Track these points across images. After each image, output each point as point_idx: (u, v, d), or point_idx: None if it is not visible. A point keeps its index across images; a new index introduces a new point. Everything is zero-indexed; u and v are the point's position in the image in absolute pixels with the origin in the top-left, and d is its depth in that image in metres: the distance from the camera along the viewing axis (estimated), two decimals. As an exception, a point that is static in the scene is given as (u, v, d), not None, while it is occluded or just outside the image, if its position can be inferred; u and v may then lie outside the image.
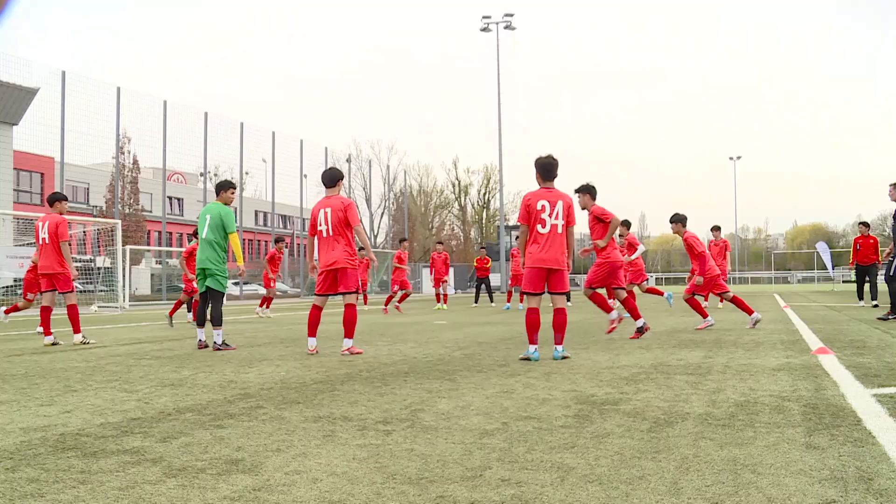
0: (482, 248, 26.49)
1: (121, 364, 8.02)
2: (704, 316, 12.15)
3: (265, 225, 64.84)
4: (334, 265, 8.76)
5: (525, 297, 8.15)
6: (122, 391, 5.99)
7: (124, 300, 27.59)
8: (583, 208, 10.33)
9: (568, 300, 12.39)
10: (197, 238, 14.21)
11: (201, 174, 42.36)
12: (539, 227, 7.82)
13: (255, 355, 8.88)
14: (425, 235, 76.64)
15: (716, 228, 20.17)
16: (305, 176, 46.75)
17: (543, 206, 7.81)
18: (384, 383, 6.28)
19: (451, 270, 62.91)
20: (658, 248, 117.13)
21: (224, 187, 9.88)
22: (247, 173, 47.30)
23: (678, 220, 12.20)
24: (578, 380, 6.36)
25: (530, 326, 7.92)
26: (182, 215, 58.22)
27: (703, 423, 4.40)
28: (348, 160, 56.84)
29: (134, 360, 8.49)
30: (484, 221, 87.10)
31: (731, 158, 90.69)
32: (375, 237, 64.20)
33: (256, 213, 64.73)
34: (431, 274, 24.22)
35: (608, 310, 10.62)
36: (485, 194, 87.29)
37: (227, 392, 5.90)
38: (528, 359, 7.82)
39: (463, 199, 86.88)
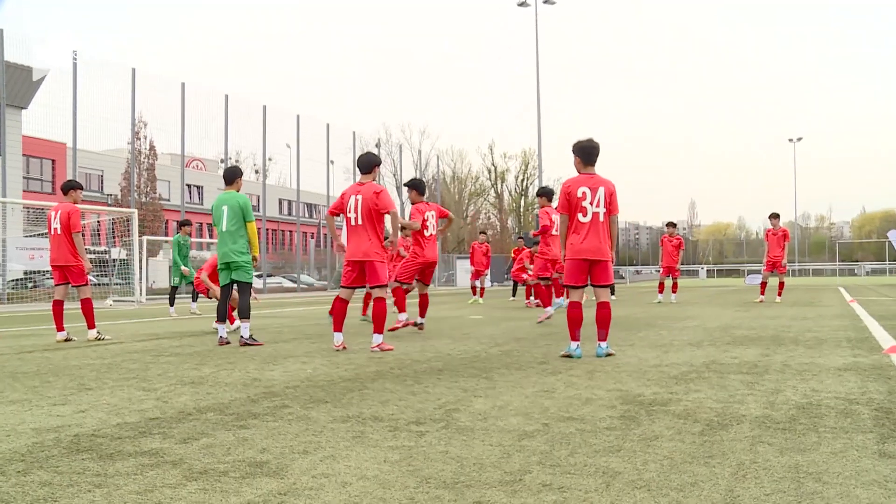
0: (520, 238, 26.45)
1: (138, 361, 8.14)
2: (546, 305, 13.68)
3: (290, 214, 65.26)
4: (363, 257, 8.89)
5: (567, 290, 8.23)
6: (140, 390, 6.07)
7: (141, 294, 27.95)
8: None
9: (612, 293, 12.39)
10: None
11: (222, 160, 42.70)
12: (580, 215, 7.84)
13: (280, 352, 8.96)
14: (459, 225, 76.68)
15: (774, 216, 20.06)
16: (332, 162, 46.95)
17: (584, 194, 7.82)
18: (417, 381, 6.31)
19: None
20: (709, 237, 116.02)
21: (238, 174, 10.16)
22: (270, 159, 47.61)
23: (543, 194, 14.08)
24: (624, 378, 6.33)
25: (572, 321, 7.94)
26: (202, 204, 58.82)
27: (761, 426, 4.36)
28: (377, 145, 57.05)
29: (151, 356, 8.60)
30: (522, 210, 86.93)
31: (790, 140, 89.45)
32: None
33: (280, 201, 65.21)
34: (472, 265, 24.25)
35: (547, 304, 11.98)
36: (523, 181, 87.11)
37: (251, 390, 5.96)
38: (569, 356, 7.84)
39: (499, 185, 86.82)
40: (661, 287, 21.31)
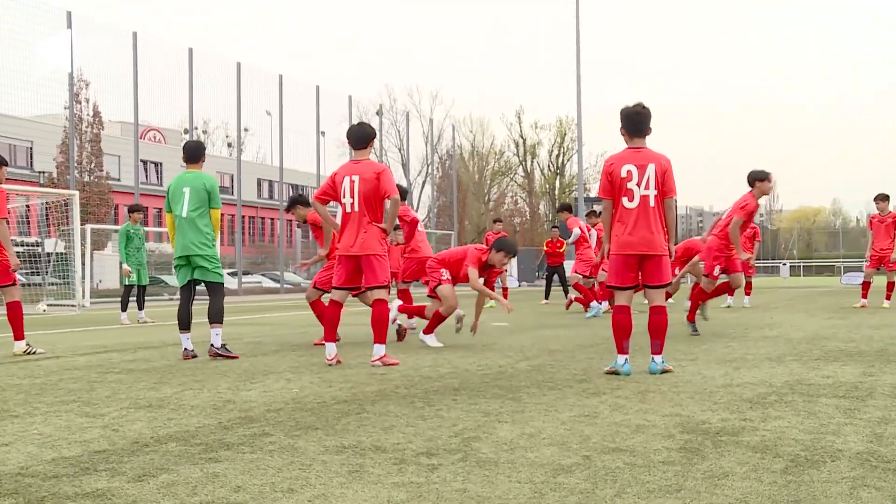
0: (555, 227, 26.47)
1: (80, 380, 8.18)
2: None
3: (271, 197, 65.31)
4: (361, 251, 8.93)
5: (614, 293, 8.27)
6: (82, 416, 6.12)
7: (83, 297, 28.04)
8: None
9: (669, 297, 12.36)
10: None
11: (185, 131, 42.85)
12: (625, 200, 7.84)
13: (259, 367, 9.01)
14: (480, 210, 76.75)
15: (882, 198, 19.63)
16: (323, 133, 47.07)
17: (630, 173, 7.81)
18: (427, 403, 6.34)
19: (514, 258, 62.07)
20: (793, 225, 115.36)
21: (203, 150, 10.45)
22: (246, 130, 47.66)
23: (563, 209, 15.19)
24: (684, 401, 6.34)
25: (619, 330, 7.96)
26: (160, 184, 59.02)
27: (864, 465, 4.35)
28: (379, 112, 57.09)
29: (98, 374, 8.65)
30: (557, 192, 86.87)
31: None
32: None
33: (260, 181, 65.49)
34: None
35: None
36: (558, 156, 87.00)
37: (223, 415, 6.00)
38: (615, 372, 7.88)
39: (529, 162, 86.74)
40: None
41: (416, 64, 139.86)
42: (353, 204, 8.92)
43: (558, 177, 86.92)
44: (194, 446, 4.92)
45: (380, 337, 8.96)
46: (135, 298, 18.06)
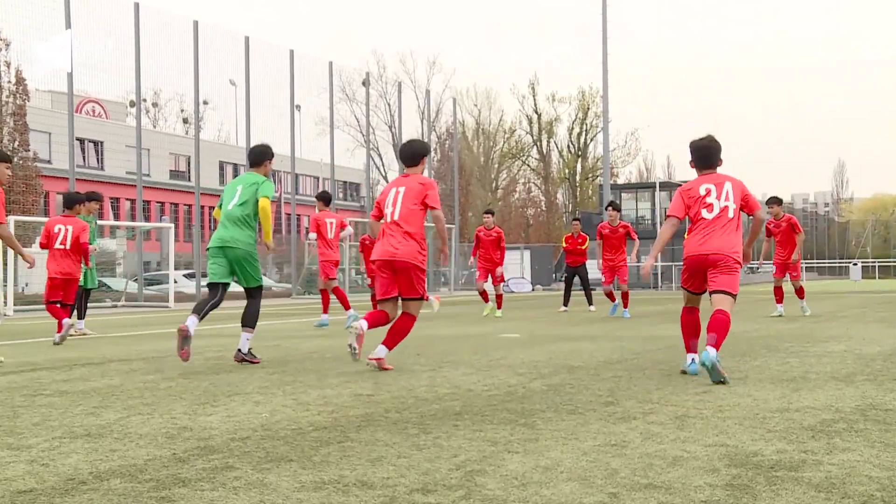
0: (575, 220, 26.46)
1: (2, 404, 8.16)
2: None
3: (236, 182, 65.05)
4: (399, 258, 10.30)
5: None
6: (4, 448, 6.09)
7: (5, 303, 28.03)
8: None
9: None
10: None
11: (132, 103, 42.81)
12: (704, 212, 9.37)
13: (222, 386, 9.04)
14: (486, 199, 76.81)
15: None
16: (298, 108, 47.07)
17: (708, 190, 9.42)
18: (423, 430, 6.36)
19: (524, 256, 62.50)
20: (866, 217, 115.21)
21: (269, 156, 11.95)
22: (205, 103, 47.56)
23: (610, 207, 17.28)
24: (731, 428, 6.36)
25: (687, 329, 9.55)
26: (101, 168, 58.98)
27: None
28: (365, 83, 57.06)
29: (24, 397, 8.64)
30: (578, 177, 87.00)
31: None
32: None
33: (222, 164, 65.44)
34: (474, 256, 24.07)
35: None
36: (580, 135, 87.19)
37: (178, 445, 6.00)
38: (686, 372, 9.40)
39: (545, 142, 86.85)
40: (779, 293, 21.29)
41: (409, 25, 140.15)
42: (392, 213, 10.43)
43: (580, 160, 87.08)
44: (143, 483, 4.93)
45: (391, 341, 10.31)
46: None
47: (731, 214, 9.32)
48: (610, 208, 22.84)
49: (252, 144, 41.75)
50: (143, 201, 41.51)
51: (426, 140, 64.84)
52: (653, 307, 28.29)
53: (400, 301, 10.50)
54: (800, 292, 21.31)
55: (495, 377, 9.54)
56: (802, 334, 15.10)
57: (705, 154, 9.62)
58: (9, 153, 12.62)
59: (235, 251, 11.27)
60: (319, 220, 19.09)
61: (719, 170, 9.65)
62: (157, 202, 63.69)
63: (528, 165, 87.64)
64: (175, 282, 38.36)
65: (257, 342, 14.86)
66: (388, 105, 65.64)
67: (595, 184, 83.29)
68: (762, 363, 10.60)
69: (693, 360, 9.35)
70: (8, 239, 12.24)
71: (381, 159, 75.74)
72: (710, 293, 9.27)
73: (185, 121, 68.78)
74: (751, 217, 9.89)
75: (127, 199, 57.88)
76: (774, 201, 21.02)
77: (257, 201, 11.28)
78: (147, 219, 53.93)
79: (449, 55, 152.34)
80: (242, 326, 11.42)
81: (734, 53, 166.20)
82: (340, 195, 79.51)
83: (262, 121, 43.85)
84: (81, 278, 17.62)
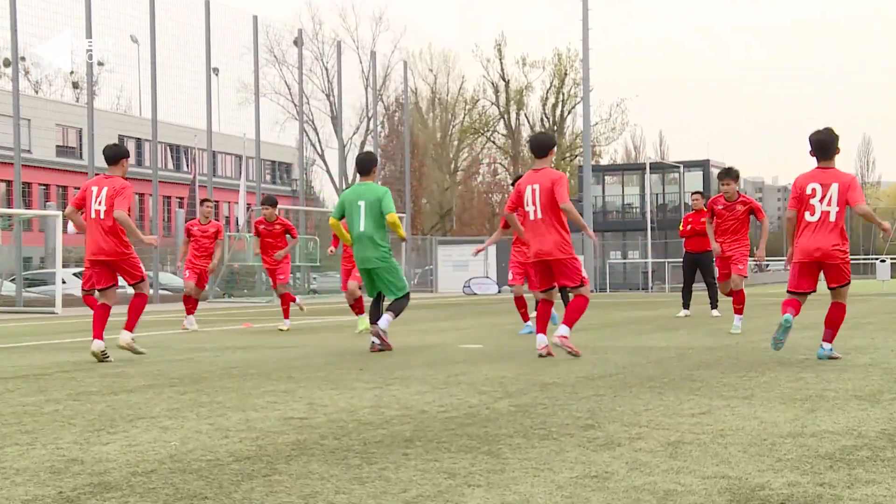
0: (697, 193, 25.78)
1: None
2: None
3: (140, 164, 64.61)
4: (552, 256, 13.23)
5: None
6: None
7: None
8: None
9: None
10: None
11: (6, 63, 42.46)
12: (807, 214, 12.11)
13: (122, 408, 8.99)
14: (443, 183, 76.74)
15: None
16: (216, 71, 46.78)
17: (814, 190, 12.03)
18: (367, 460, 6.37)
19: (489, 252, 62.14)
20: (895, 206, 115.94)
21: (374, 162, 15.48)
22: (101, 64, 47.04)
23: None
24: (734, 456, 6.40)
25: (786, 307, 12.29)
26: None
27: None
28: (297, 41, 56.81)
29: None
30: (554, 158, 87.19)
31: None
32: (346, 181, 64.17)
33: (123, 139, 64.67)
34: (331, 247, 23.02)
35: None
36: (555, 105, 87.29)
37: (66, 481, 5.97)
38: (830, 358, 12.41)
39: (514, 115, 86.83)
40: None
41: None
42: (535, 212, 13.32)
43: (556, 133, 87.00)
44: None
45: (569, 320, 13.21)
46: None
47: (832, 218, 12.01)
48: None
49: (158, 117, 41.71)
50: (23, 183, 41.12)
51: (369, 111, 65.17)
52: (642, 312, 28.39)
53: (570, 291, 13.75)
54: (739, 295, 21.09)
55: (454, 396, 9.55)
56: (819, 345, 15.15)
57: (822, 146, 12.20)
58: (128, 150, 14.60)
59: (377, 270, 14.87)
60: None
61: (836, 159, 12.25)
62: (41, 184, 63.28)
63: (494, 142, 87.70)
64: (63, 282, 37.95)
65: (165, 354, 14.84)
66: (325, 69, 65.69)
67: (573, 164, 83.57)
68: (771, 379, 10.64)
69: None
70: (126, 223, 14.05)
71: (318, 134, 75.19)
72: (830, 290, 12.42)
73: (76, 85, 68.14)
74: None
75: (2, 181, 57.52)
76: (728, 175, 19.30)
77: (384, 217, 14.69)
78: (28, 205, 53.59)
79: (398, 10, 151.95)
80: (386, 311, 15.01)
81: (739, 12, 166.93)
82: (268, 177, 79.00)
83: (171, 87, 43.52)
84: None
